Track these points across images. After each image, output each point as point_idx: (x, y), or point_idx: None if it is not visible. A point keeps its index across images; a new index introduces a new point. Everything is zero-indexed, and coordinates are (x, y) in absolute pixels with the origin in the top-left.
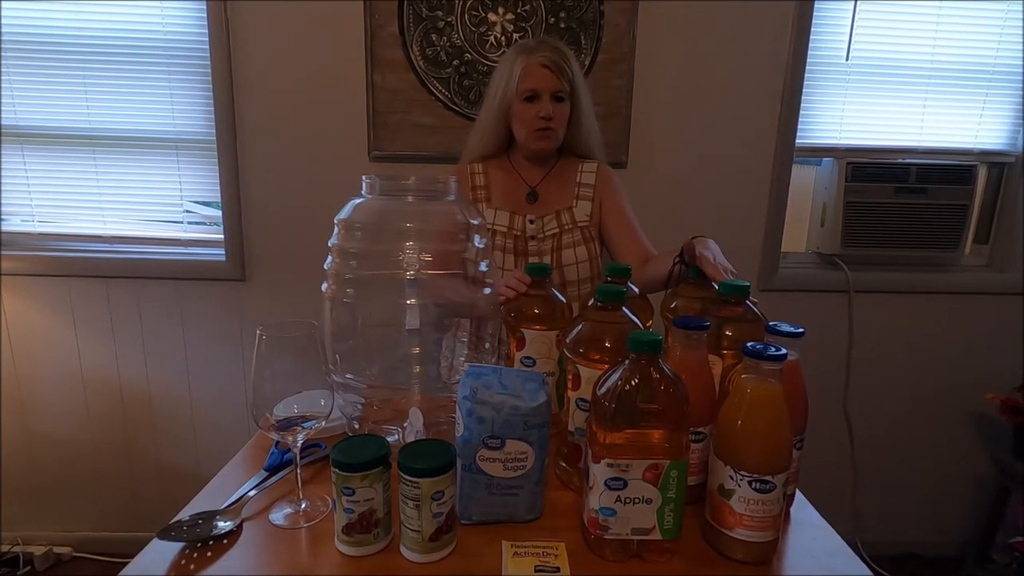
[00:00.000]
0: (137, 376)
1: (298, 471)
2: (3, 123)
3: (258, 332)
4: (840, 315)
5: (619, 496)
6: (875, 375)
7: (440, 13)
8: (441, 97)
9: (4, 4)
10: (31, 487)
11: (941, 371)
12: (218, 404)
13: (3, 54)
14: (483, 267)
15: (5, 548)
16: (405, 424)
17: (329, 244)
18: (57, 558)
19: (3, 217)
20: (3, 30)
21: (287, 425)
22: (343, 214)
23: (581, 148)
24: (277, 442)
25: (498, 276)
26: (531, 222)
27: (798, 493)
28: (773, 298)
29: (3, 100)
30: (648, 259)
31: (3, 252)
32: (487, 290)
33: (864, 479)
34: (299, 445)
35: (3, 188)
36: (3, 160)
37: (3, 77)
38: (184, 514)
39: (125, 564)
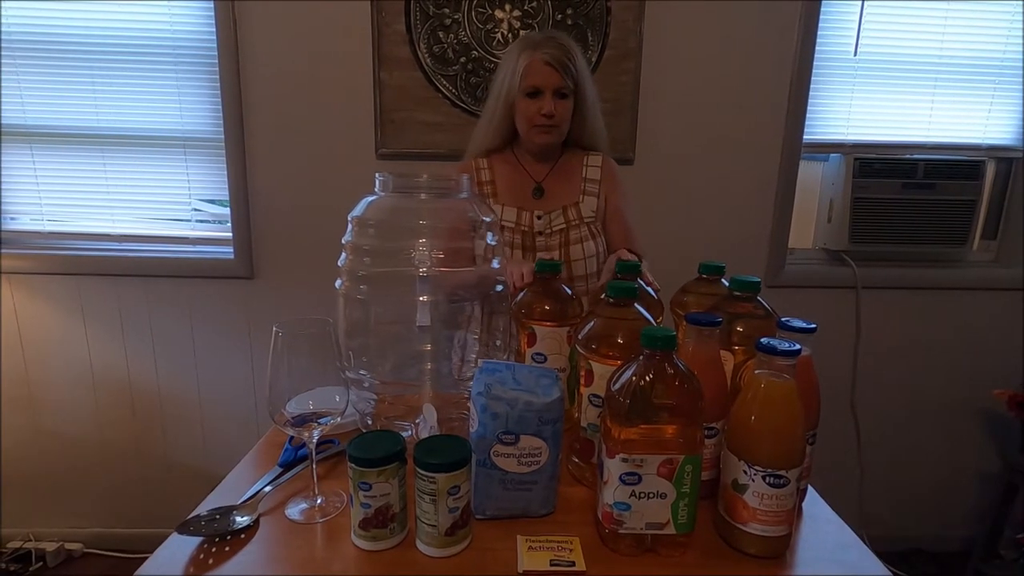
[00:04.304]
0: (146, 373)
1: (313, 467)
2: (14, 123)
3: (274, 329)
4: (847, 311)
5: (633, 491)
6: (882, 371)
7: (447, 10)
8: (448, 95)
9: (14, 4)
10: (42, 484)
11: (948, 367)
12: (226, 401)
13: (13, 54)
14: (495, 264)
15: (17, 544)
16: (418, 420)
17: (343, 241)
18: (68, 554)
19: (12, 216)
20: (13, 30)
21: (302, 421)
22: (356, 211)
23: (586, 142)
24: (291, 438)
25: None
26: (539, 217)
27: (810, 488)
28: (780, 294)
29: (13, 100)
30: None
31: (13, 251)
32: (499, 288)
33: (871, 474)
34: (315, 441)
35: (14, 188)
36: (14, 160)
37: (13, 77)
38: (201, 509)
39: (135, 560)
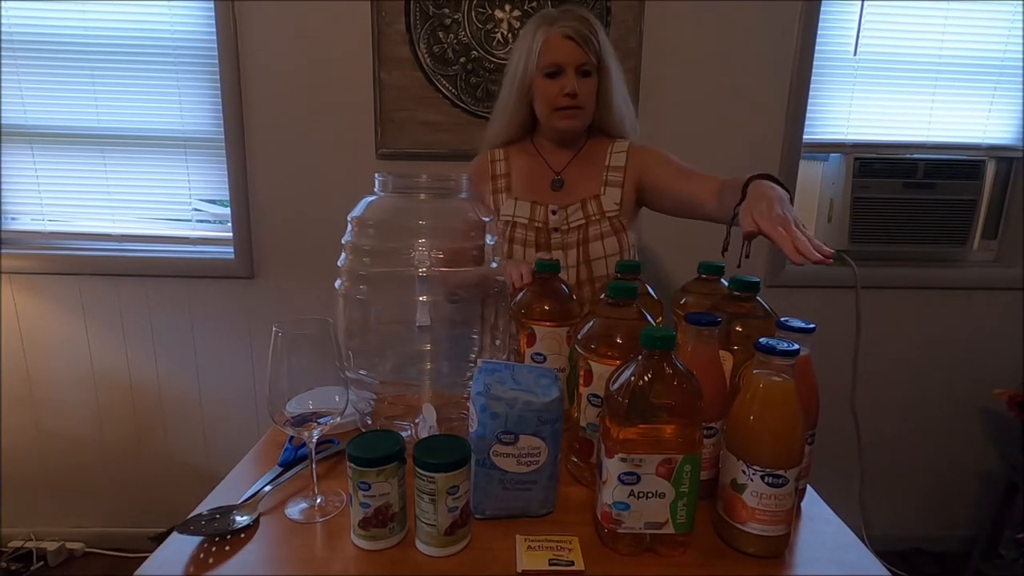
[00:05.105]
0: (147, 373)
1: (313, 466)
2: (14, 123)
3: (274, 329)
4: (847, 311)
5: (632, 490)
6: (882, 371)
7: (447, 10)
8: (448, 95)
9: (14, 4)
10: (43, 483)
11: (949, 366)
12: (227, 401)
13: (14, 54)
14: (494, 265)
15: (18, 543)
16: (417, 420)
17: (343, 241)
18: (70, 553)
19: (13, 216)
20: (13, 30)
21: (301, 421)
22: (356, 211)
23: (612, 127)
24: (291, 438)
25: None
26: (553, 213)
27: (809, 488)
28: (780, 294)
29: (14, 100)
30: (721, 190)
31: (14, 251)
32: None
33: (871, 474)
34: (315, 440)
35: (15, 188)
36: (14, 160)
37: (13, 77)
38: (201, 509)
39: (136, 559)
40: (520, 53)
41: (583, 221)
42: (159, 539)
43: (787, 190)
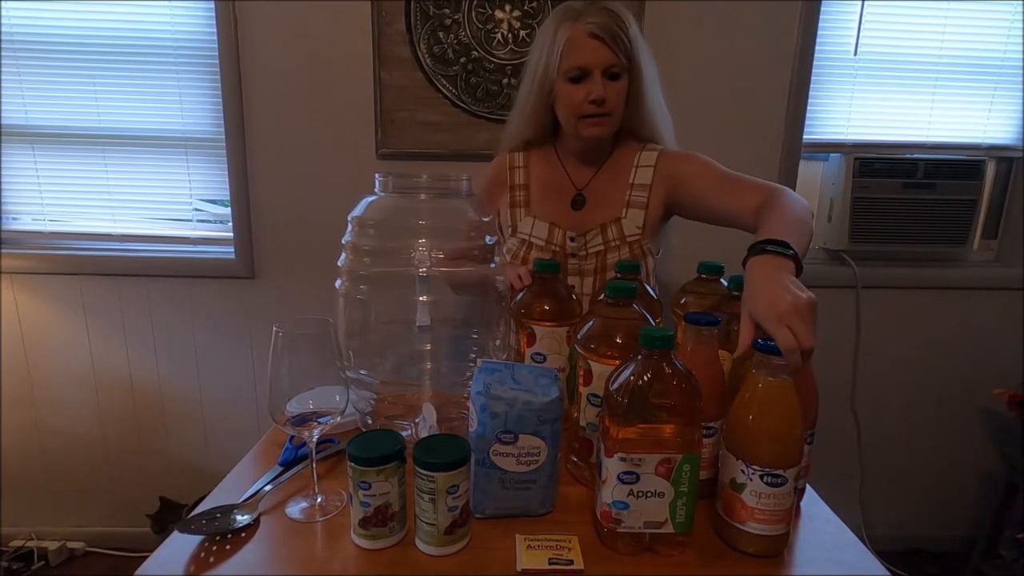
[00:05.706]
0: (148, 373)
1: (313, 466)
2: (15, 123)
3: (274, 329)
4: (847, 311)
5: (632, 490)
6: (882, 370)
7: (447, 11)
8: (448, 95)
9: (14, 4)
10: (44, 483)
11: (949, 366)
12: (227, 400)
13: (15, 54)
14: (492, 265)
15: (19, 543)
16: (417, 419)
17: (343, 241)
18: (71, 553)
19: (14, 216)
20: (14, 30)
21: (302, 421)
22: (357, 211)
23: (643, 133)
24: (291, 437)
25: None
26: (572, 239)
27: (808, 487)
28: None
29: (15, 100)
30: (761, 206)
31: (15, 251)
32: (498, 287)
33: (871, 474)
34: (315, 440)
35: (16, 188)
36: (15, 160)
37: (15, 77)
38: (202, 508)
39: (137, 559)
40: (540, 52)
41: (602, 247)
42: (154, 517)
43: (793, 254)
